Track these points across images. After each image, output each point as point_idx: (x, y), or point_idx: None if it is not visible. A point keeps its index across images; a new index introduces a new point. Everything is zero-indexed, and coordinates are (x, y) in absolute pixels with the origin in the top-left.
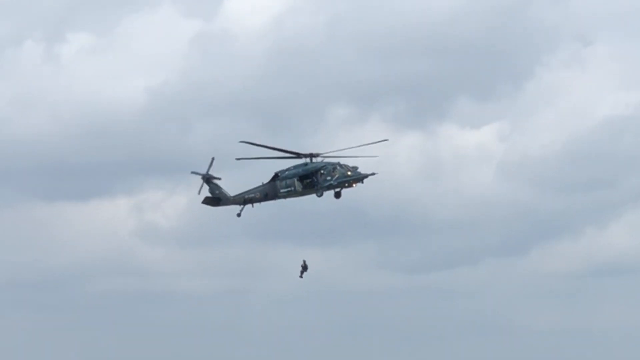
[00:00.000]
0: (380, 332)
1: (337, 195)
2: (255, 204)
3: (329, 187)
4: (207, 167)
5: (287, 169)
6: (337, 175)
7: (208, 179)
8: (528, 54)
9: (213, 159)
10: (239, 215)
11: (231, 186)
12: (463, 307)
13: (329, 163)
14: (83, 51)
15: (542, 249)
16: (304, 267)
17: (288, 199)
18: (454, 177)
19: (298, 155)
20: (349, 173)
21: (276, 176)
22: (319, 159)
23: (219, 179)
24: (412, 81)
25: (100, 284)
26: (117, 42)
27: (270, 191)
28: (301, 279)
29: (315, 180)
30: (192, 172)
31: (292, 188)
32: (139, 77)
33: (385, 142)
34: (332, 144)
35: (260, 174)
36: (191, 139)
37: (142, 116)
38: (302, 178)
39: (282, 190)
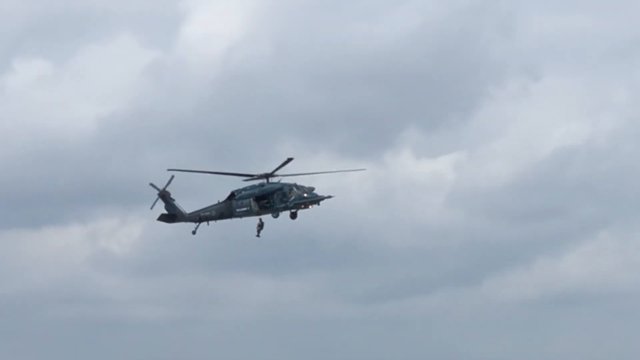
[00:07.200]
0: None
1: (293, 216)
2: (210, 222)
3: (285, 208)
4: (165, 183)
5: (244, 189)
6: (293, 197)
7: (163, 196)
8: (477, 86)
9: (172, 177)
10: (194, 232)
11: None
12: (417, 336)
13: (285, 184)
14: (39, 79)
15: (495, 278)
16: (260, 226)
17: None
18: (404, 207)
19: (252, 177)
20: (305, 195)
21: (232, 195)
22: (275, 179)
23: (173, 200)
24: (360, 110)
25: (54, 311)
26: (72, 70)
27: (226, 210)
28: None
29: (272, 201)
30: (150, 184)
31: (248, 208)
32: (91, 106)
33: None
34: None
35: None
36: (142, 167)
37: (94, 144)
38: (258, 198)
39: (238, 210)
